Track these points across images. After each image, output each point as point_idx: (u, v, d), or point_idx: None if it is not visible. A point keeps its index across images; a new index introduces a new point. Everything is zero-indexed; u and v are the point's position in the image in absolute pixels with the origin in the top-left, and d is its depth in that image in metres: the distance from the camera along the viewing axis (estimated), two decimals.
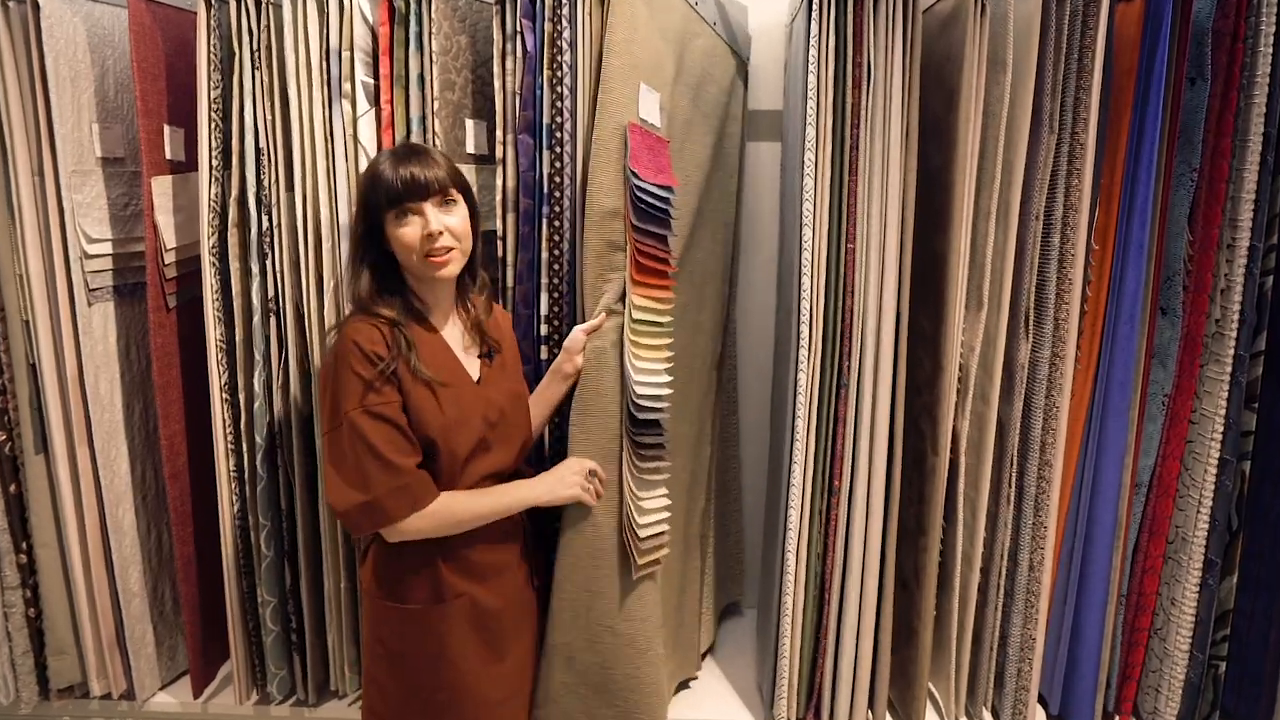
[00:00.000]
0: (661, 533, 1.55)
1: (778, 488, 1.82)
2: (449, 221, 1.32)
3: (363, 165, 1.57)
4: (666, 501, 1.55)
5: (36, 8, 1.50)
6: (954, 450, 1.62)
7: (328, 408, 1.30)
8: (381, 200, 1.29)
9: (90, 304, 1.64)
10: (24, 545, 1.71)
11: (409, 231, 1.30)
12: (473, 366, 1.42)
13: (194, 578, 1.77)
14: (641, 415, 1.46)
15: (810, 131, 1.51)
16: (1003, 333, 1.58)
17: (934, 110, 1.60)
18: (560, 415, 1.59)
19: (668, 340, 1.52)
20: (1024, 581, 1.66)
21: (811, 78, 1.50)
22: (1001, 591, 1.68)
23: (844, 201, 1.54)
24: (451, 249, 1.33)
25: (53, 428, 1.65)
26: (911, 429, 1.66)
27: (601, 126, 1.44)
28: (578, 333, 1.48)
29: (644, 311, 1.48)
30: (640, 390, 1.45)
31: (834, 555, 1.64)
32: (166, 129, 1.64)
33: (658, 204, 1.47)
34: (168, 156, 1.65)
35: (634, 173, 1.44)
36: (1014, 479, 1.64)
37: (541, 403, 1.54)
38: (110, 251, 1.68)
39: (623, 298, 1.51)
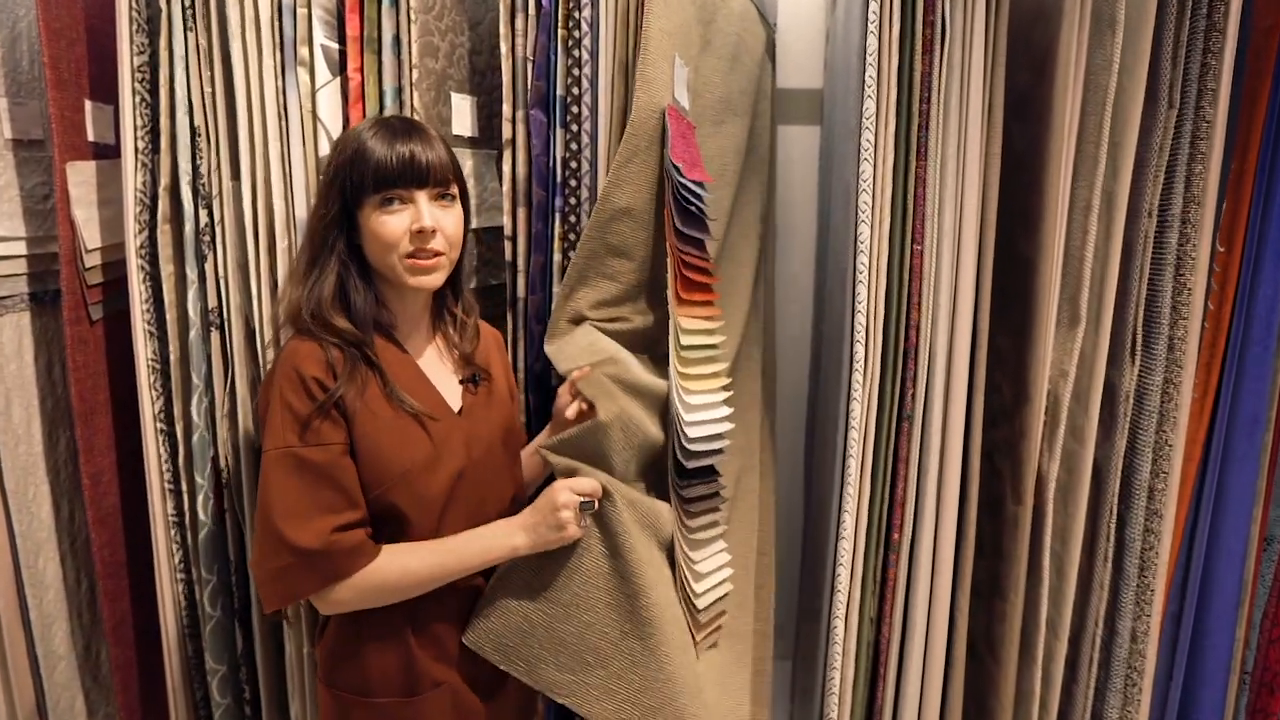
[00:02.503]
0: (724, 595, 1.29)
1: (821, 533, 1.53)
2: (443, 220, 1.06)
3: (324, 148, 1.29)
4: (727, 558, 1.28)
5: None
6: (1039, 496, 1.34)
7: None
8: (366, 181, 1.03)
9: None
10: None
11: (394, 222, 1.04)
12: (452, 395, 1.15)
13: (129, 640, 1.50)
14: (691, 463, 1.18)
15: (869, 106, 1.22)
16: (1103, 354, 1.29)
17: (1019, 81, 1.31)
18: None
19: (724, 365, 1.24)
20: (1123, 654, 1.37)
21: (871, 40, 1.21)
22: (1095, 666, 1.39)
23: (910, 193, 1.25)
24: (440, 254, 1.07)
25: None
26: (986, 470, 1.37)
27: (639, 108, 1.16)
28: (563, 397, 1.21)
29: (695, 335, 1.20)
30: (694, 432, 1.18)
31: (891, 620, 1.36)
32: (88, 104, 1.37)
33: (695, 203, 1.19)
34: (90, 138, 1.38)
35: (677, 167, 1.17)
36: (1113, 532, 1.35)
37: (530, 465, 1.27)
38: (24, 253, 1.40)
39: (602, 305, 1.24)
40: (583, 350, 1.19)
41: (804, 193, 1.87)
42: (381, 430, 1.05)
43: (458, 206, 1.10)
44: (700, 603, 1.26)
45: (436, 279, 1.08)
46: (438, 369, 1.15)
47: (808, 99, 1.83)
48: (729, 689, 1.36)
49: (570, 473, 1.12)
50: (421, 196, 1.04)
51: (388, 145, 1.03)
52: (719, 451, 1.23)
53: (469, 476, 1.11)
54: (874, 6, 1.20)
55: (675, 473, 1.20)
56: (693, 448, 1.17)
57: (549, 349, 1.23)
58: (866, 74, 1.22)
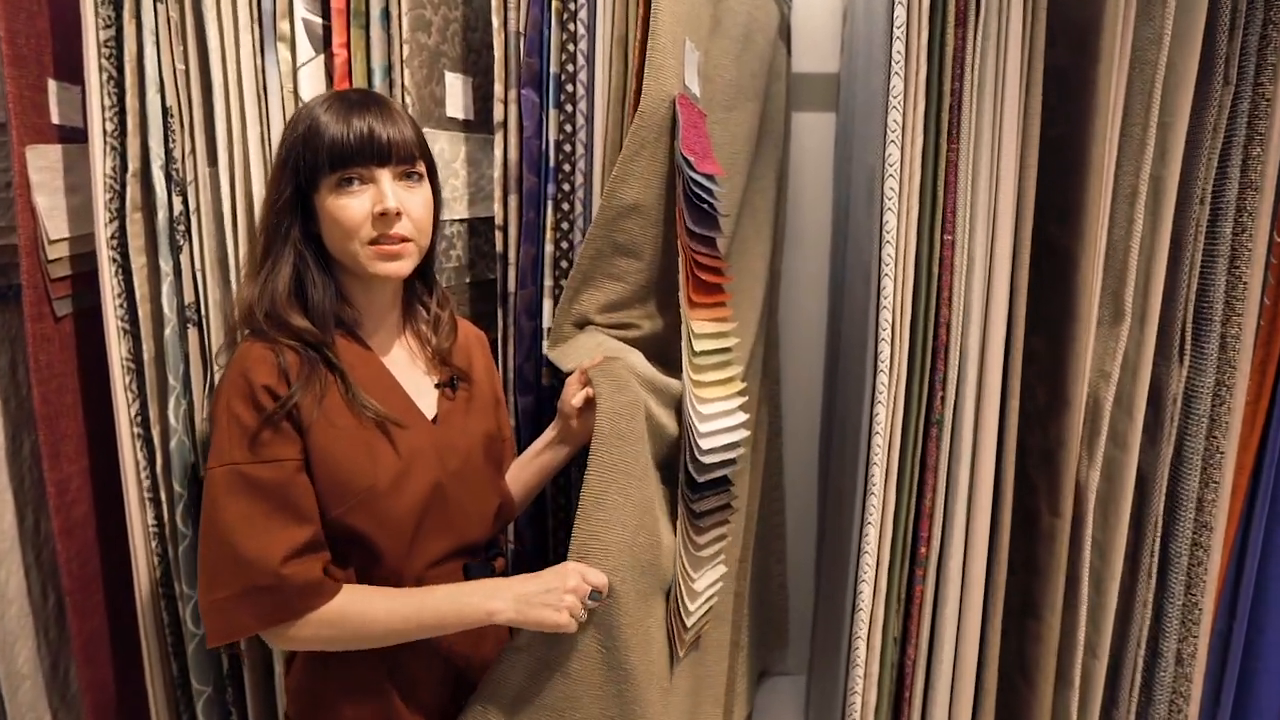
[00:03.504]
0: (711, 609, 1.20)
1: (837, 544, 1.44)
2: (409, 202, 0.95)
3: None
4: (723, 570, 1.18)
5: None
6: (1077, 508, 1.24)
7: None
8: (321, 160, 0.92)
9: None
10: None
11: (354, 205, 0.93)
12: (426, 400, 1.05)
13: (102, 659, 1.40)
14: (704, 476, 1.09)
15: (896, 84, 1.13)
16: (1148, 354, 1.19)
17: (1057, 58, 1.21)
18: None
19: (738, 369, 1.14)
20: (1167, 679, 1.27)
21: (899, 11, 1.11)
22: (1136, 690, 1.29)
23: (940, 178, 1.15)
24: (407, 240, 0.96)
25: None
26: (1020, 480, 1.27)
27: (649, 96, 1.06)
28: (571, 386, 1.10)
29: (708, 340, 1.11)
30: (708, 443, 1.08)
31: (917, 641, 1.26)
32: (52, 84, 1.27)
33: (706, 198, 1.10)
34: (55, 120, 1.28)
35: (688, 160, 1.07)
36: (1157, 546, 1.25)
37: (534, 469, 1.17)
38: None
39: (609, 308, 1.15)
40: (589, 351, 1.10)
41: (818, 182, 1.77)
42: (341, 442, 0.94)
43: (425, 187, 0.99)
44: (690, 620, 1.17)
45: (403, 267, 0.97)
46: (408, 371, 1.05)
47: (822, 83, 1.73)
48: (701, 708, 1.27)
49: (610, 390, 1.02)
50: (384, 175, 0.94)
51: (343, 120, 0.92)
52: (733, 462, 1.13)
53: (444, 493, 1.01)
54: None
55: (686, 485, 1.10)
56: (706, 460, 1.08)
57: (551, 354, 1.13)
58: (894, 49, 1.12)
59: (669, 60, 1.08)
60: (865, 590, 1.23)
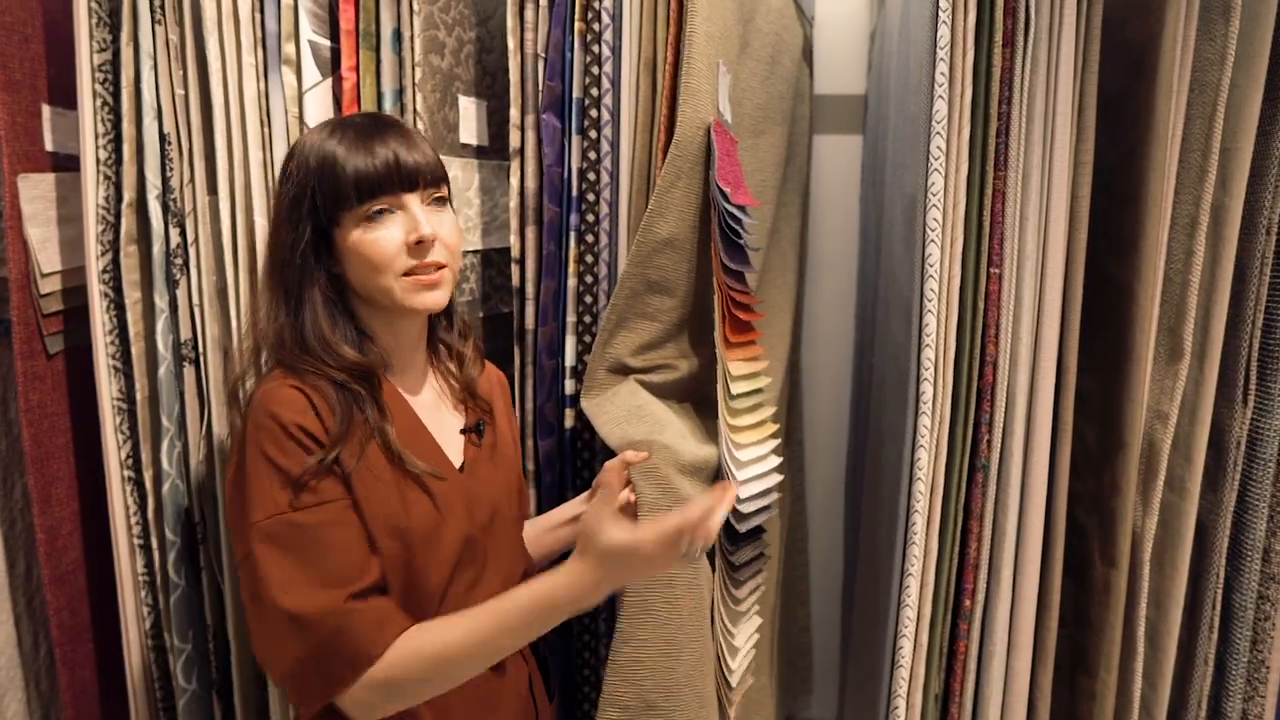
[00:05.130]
0: (752, 661, 1.12)
1: (871, 592, 1.36)
2: (441, 227, 0.89)
3: None
4: (758, 621, 1.11)
5: None
6: (1133, 558, 1.16)
7: (239, 522, 0.85)
8: (345, 193, 0.85)
9: None
10: None
11: (386, 237, 0.86)
12: (453, 447, 0.97)
13: (92, 713, 1.32)
14: (744, 526, 1.01)
15: (940, 107, 1.06)
16: (1209, 394, 1.11)
17: (1111, 82, 1.14)
18: None
19: (771, 410, 1.07)
20: None
21: (943, 31, 1.05)
22: None
23: (986, 208, 1.08)
24: (443, 267, 0.89)
25: None
26: (1070, 527, 1.19)
27: (685, 124, 1.00)
28: (611, 475, 0.99)
29: (744, 381, 1.03)
30: (746, 491, 1.01)
31: (961, 700, 1.18)
32: (46, 109, 1.20)
33: (740, 231, 1.03)
34: (49, 147, 1.21)
35: (724, 191, 1.00)
36: (1219, 598, 1.17)
37: (554, 538, 1.10)
38: None
39: (643, 349, 1.08)
40: (629, 414, 1.02)
41: (843, 207, 1.71)
42: (379, 492, 0.87)
43: (450, 210, 0.93)
44: (734, 679, 1.09)
45: (442, 297, 0.90)
46: (435, 414, 0.97)
47: (847, 105, 1.67)
48: None
49: (653, 495, 0.96)
50: (413, 201, 0.87)
51: (364, 149, 0.85)
52: (770, 509, 1.05)
53: (475, 547, 0.93)
54: None
55: (725, 538, 1.03)
56: (744, 508, 1.00)
57: (587, 405, 1.06)
58: (938, 70, 1.05)
59: (704, 84, 1.01)
60: (906, 646, 1.15)
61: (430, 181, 0.89)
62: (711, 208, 1.02)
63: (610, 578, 0.83)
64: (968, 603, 1.15)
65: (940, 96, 1.06)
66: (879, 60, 1.55)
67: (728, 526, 1.02)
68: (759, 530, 1.07)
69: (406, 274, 0.87)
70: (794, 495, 1.73)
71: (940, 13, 1.04)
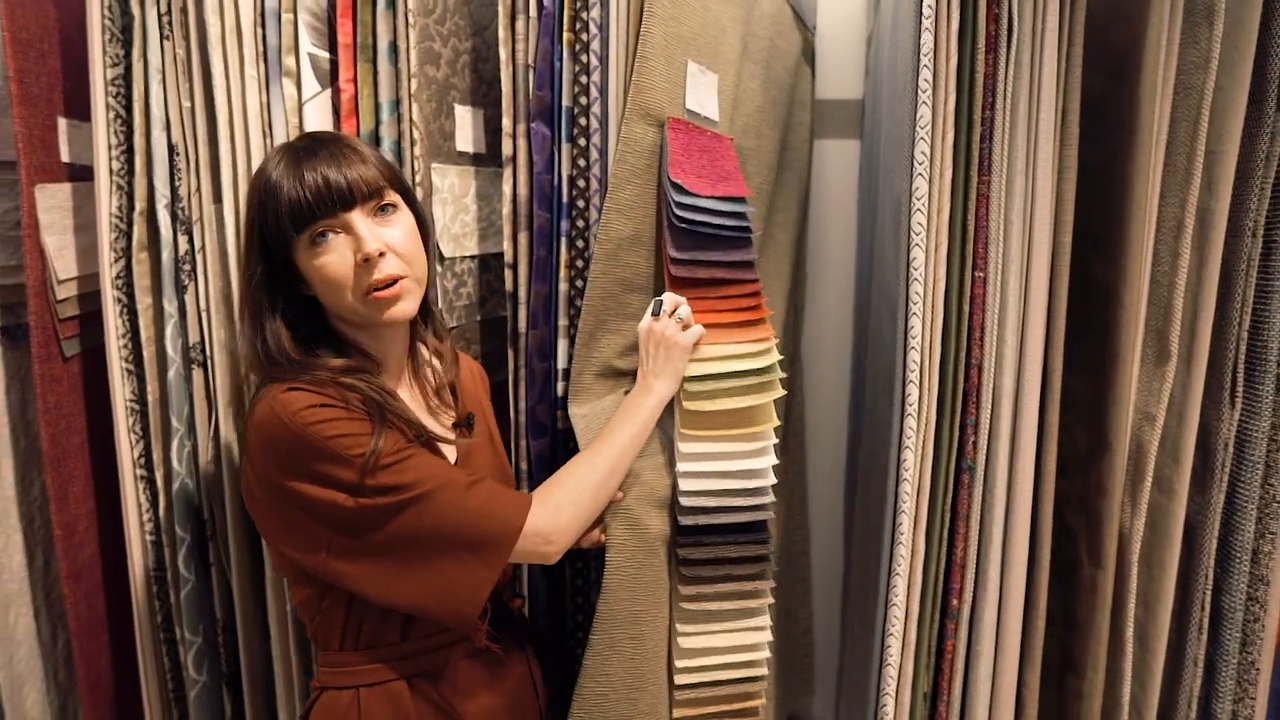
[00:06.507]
0: (757, 677, 1.13)
1: (864, 592, 1.37)
2: (390, 236, 0.90)
3: None
4: (724, 640, 1.12)
5: None
6: (1120, 559, 1.16)
7: (302, 538, 0.88)
8: (284, 223, 0.87)
9: None
10: None
11: (334, 261, 0.88)
12: (445, 440, 1.01)
13: (107, 702, 1.37)
14: (685, 519, 1.04)
15: (923, 113, 1.07)
16: (1197, 396, 1.12)
17: (1094, 86, 1.15)
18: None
19: (776, 394, 1.08)
20: None
21: (926, 37, 1.06)
22: None
23: (971, 212, 1.09)
24: (400, 277, 0.90)
25: None
26: (1057, 528, 1.20)
27: (630, 121, 1.02)
28: None
29: (696, 364, 1.05)
30: (686, 485, 1.03)
31: (949, 698, 1.19)
32: (62, 122, 1.26)
33: (730, 221, 1.05)
34: (65, 158, 1.27)
35: (677, 184, 1.02)
36: (1208, 600, 1.17)
37: None
38: None
39: (630, 350, 1.10)
40: None
41: (842, 210, 1.72)
42: None
43: (405, 215, 0.94)
44: (679, 678, 1.10)
45: (408, 307, 0.92)
46: (423, 412, 1.01)
47: (846, 110, 1.68)
48: None
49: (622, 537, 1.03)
50: (355, 218, 0.88)
51: (294, 175, 0.87)
52: (767, 506, 1.07)
53: None
54: (929, 0, 1.05)
55: (675, 529, 1.05)
56: (684, 501, 1.03)
57: (575, 412, 1.09)
58: (921, 76, 1.07)
59: (657, 82, 1.03)
60: (894, 644, 1.16)
61: (369, 194, 0.89)
62: (662, 201, 1.05)
63: (652, 369, 1.02)
64: (955, 602, 1.16)
65: (924, 102, 1.07)
66: (874, 65, 1.57)
67: (673, 518, 1.05)
68: (759, 527, 1.08)
69: (368, 292, 0.89)
70: (795, 498, 1.74)
71: (923, 19, 1.06)
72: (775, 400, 1.08)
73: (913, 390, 1.11)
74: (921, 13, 1.06)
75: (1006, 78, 1.06)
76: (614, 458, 0.98)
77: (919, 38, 1.06)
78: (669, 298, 1.03)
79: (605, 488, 0.98)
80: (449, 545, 0.87)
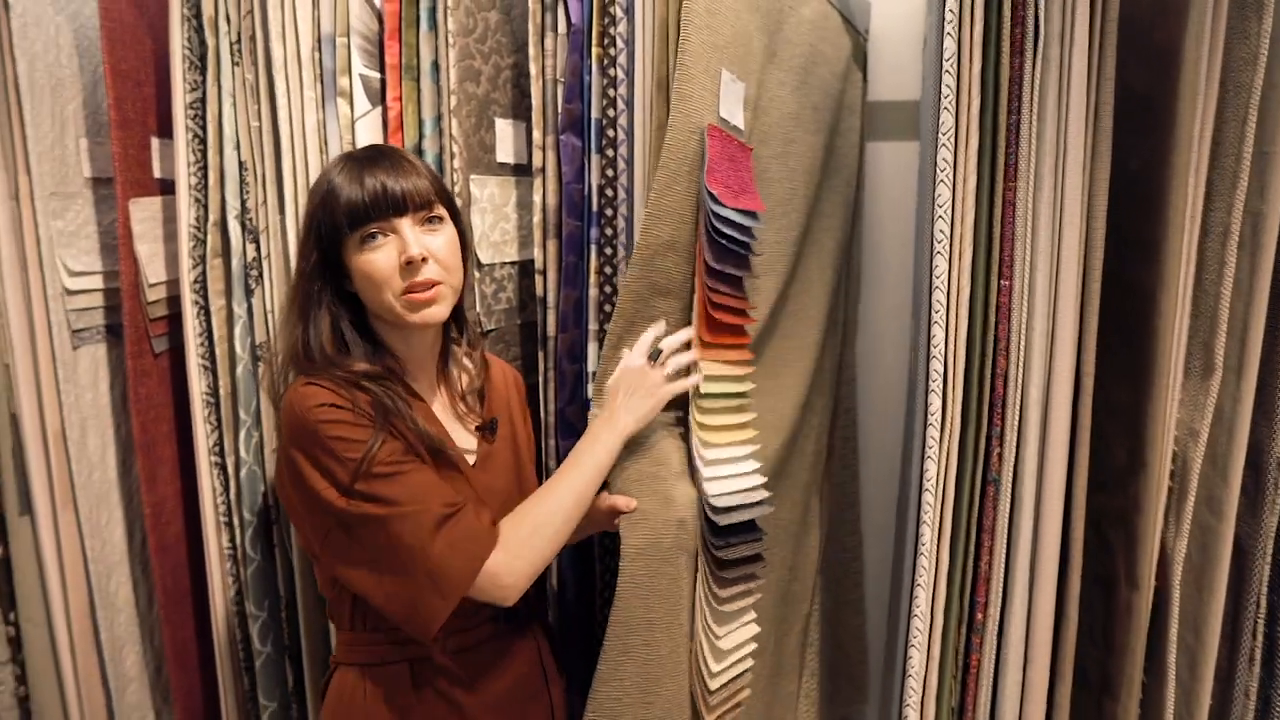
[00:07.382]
0: (744, 673, 1.15)
1: (898, 601, 1.36)
2: (433, 244, 0.98)
3: None
4: (755, 630, 1.14)
5: (6, 7, 1.29)
6: (1162, 579, 1.11)
7: (314, 508, 0.96)
8: (340, 221, 0.96)
9: (75, 347, 1.41)
10: (11, 616, 1.51)
11: (380, 259, 0.97)
12: (467, 444, 1.07)
13: (192, 666, 1.52)
14: (724, 519, 1.06)
15: (946, 119, 1.06)
16: (1246, 411, 1.05)
17: (1134, 84, 1.10)
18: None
19: (750, 417, 1.11)
20: None
21: (949, 42, 1.05)
22: None
23: (996, 220, 1.07)
24: (438, 283, 0.98)
25: (35, 488, 1.43)
26: (1095, 545, 1.15)
27: (675, 128, 1.05)
28: (603, 507, 1.09)
29: (718, 382, 1.08)
30: (714, 488, 1.05)
31: (974, 713, 1.16)
32: (155, 142, 1.40)
33: (738, 236, 1.07)
34: (156, 175, 1.41)
35: (712, 194, 1.05)
36: (1260, 628, 1.10)
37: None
38: (100, 286, 1.44)
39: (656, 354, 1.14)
40: (632, 445, 1.09)
41: (899, 214, 1.69)
42: None
43: (449, 227, 1.02)
44: (713, 683, 1.12)
45: (439, 311, 1.00)
46: (449, 416, 1.08)
47: (903, 111, 1.66)
48: None
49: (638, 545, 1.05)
50: (403, 224, 0.97)
51: (355, 180, 0.96)
52: (758, 505, 1.09)
53: None
54: (951, 4, 1.04)
55: (709, 532, 1.07)
56: (718, 504, 1.04)
57: (595, 412, 1.13)
58: (944, 82, 1.05)
59: (697, 89, 1.05)
60: (916, 655, 1.15)
61: (420, 205, 0.98)
62: (700, 209, 1.07)
63: (623, 404, 1.04)
64: (980, 615, 1.14)
65: (946, 108, 1.06)
66: (928, 66, 1.54)
67: (709, 521, 1.06)
68: (750, 526, 1.09)
69: (406, 292, 0.97)
70: (846, 503, 1.73)
71: (946, 23, 1.04)
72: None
73: (934, 400, 1.10)
74: (944, 16, 1.04)
75: (1033, 82, 1.04)
76: (579, 494, 1.01)
77: (941, 43, 1.05)
78: (669, 345, 1.07)
79: (567, 527, 1.01)
80: (412, 569, 0.91)
